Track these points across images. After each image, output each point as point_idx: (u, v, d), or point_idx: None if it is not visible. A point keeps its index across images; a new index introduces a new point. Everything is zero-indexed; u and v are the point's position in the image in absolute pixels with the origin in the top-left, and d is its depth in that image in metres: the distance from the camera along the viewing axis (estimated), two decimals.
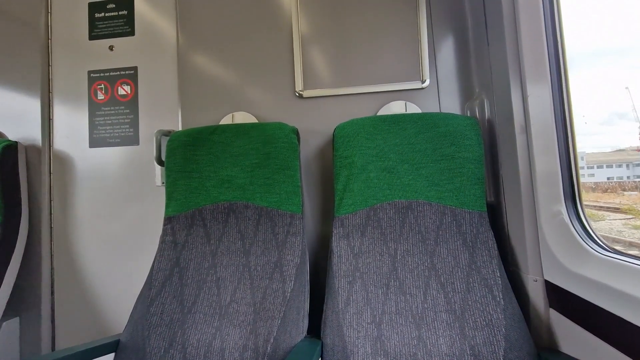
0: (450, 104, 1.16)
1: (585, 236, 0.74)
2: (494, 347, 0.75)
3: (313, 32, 1.24)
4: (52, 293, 1.32)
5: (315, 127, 1.22)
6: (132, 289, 1.27)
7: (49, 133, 1.35)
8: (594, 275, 0.65)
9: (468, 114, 1.13)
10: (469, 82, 1.14)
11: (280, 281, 0.91)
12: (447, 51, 1.18)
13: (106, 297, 1.29)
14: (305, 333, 0.86)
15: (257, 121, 1.24)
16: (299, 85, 1.22)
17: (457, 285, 0.84)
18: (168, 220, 1.03)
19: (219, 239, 0.99)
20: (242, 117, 1.25)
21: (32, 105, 1.33)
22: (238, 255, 0.97)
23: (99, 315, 1.29)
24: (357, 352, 0.79)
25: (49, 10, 1.38)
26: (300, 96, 1.23)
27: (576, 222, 0.76)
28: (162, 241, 1.01)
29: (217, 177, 1.03)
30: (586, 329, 0.67)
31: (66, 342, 1.30)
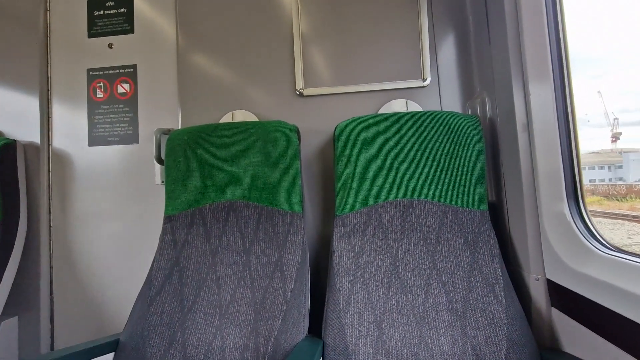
0: (452, 102, 1.16)
1: (588, 234, 0.74)
2: (496, 346, 0.75)
3: (313, 30, 1.23)
4: (51, 292, 1.31)
5: (316, 125, 1.21)
6: (131, 288, 1.26)
7: (48, 131, 1.35)
8: (596, 274, 0.65)
9: (469, 113, 1.12)
10: (470, 81, 1.14)
11: (281, 280, 0.90)
12: (448, 49, 1.17)
13: (105, 296, 1.29)
14: (306, 332, 0.86)
15: (257, 120, 1.24)
16: (299, 84, 1.21)
17: (458, 284, 0.84)
18: (168, 219, 1.03)
19: (219, 238, 0.99)
20: (243, 116, 1.25)
21: (30, 104, 1.32)
22: (238, 254, 0.96)
23: (99, 314, 1.28)
24: (359, 352, 0.79)
25: (48, 8, 1.37)
26: (301, 94, 1.22)
27: (579, 220, 0.76)
28: (162, 240, 1.01)
29: (217, 176, 1.02)
30: (589, 328, 0.66)
31: (65, 342, 1.29)
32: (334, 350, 0.80)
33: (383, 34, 1.20)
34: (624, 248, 0.69)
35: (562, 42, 0.80)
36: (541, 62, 0.80)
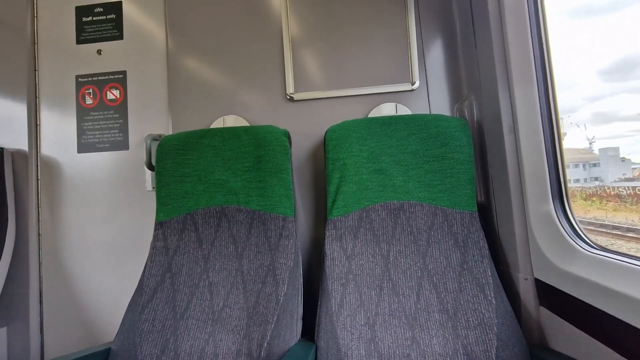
0: (440, 105, 1.18)
1: (573, 234, 0.75)
2: (487, 345, 0.76)
3: (303, 35, 1.24)
4: (41, 302, 1.29)
5: (306, 129, 1.22)
6: (123, 296, 1.25)
7: (36, 138, 1.33)
8: (582, 273, 0.66)
9: (457, 116, 1.14)
10: (458, 84, 1.16)
11: (274, 285, 0.90)
12: (436, 53, 1.19)
13: (96, 305, 1.27)
14: (299, 337, 0.86)
15: (248, 124, 1.24)
16: (289, 88, 1.22)
17: (449, 285, 0.85)
18: (159, 225, 1.02)
19: (211, 244, 0.98)
20: (233, 121, 1.25)
21: (18, 111, 1.31)
22: (230, 259, 0.96)
23: (89, 324, 1.27)
24: (351, 355, 0.79)
25: (35, 14, 1.36)
26: (291, 99, 1.23)
27: (564, 220, 0.78)
28: (153, 247, 1.00)
29: (208, 181, 1.02)
30: (575, 326, 0.68)
31: (55, 352, 1.27)
32: (327, 353, 0.81)
33: (372, 39, 1.21)
34: None
35: (544, 45, 0.81)
36: (525, 64, 0.82)
